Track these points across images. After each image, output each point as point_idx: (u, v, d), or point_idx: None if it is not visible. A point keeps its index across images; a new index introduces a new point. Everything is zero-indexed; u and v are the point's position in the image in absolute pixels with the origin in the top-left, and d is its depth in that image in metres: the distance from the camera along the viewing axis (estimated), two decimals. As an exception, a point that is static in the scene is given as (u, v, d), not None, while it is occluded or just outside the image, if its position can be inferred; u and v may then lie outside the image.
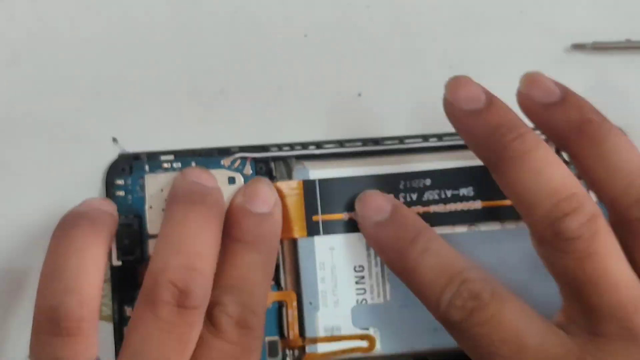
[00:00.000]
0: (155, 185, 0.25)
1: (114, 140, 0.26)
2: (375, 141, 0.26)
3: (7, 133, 0.26)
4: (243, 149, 0.26)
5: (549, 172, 0.22)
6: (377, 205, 0.24)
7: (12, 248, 0.26)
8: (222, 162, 0.26)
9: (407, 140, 0.26)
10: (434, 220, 0.25)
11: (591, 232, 0.21)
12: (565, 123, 0.23)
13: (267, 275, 0.24)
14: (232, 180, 0.25)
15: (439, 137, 0.26)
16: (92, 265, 0.21)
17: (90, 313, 0.21)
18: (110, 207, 0.24)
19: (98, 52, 0.27)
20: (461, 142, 0.26)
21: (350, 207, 0.25)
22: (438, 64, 0.27)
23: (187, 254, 0.22)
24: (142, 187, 0.25)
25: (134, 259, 0.25)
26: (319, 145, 0.26)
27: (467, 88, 0.23)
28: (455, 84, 0.23)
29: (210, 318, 0.22)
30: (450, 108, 0.23)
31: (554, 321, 0.23)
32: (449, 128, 0.26)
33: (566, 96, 0.23)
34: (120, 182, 0.25)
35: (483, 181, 0.25)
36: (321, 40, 0.27)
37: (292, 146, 0.26)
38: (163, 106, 0.27)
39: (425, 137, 0.26)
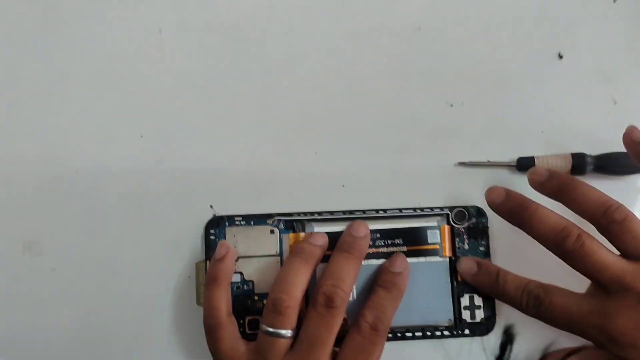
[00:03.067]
0: (230, 233, 0.46)
1: (211, 206, 0.47)
2: (350, 212, 0.47)
3: (157, 201, 0.47)
4: (279, 214, 0.47)
5: (549, 218, 0.41)
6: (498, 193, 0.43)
7: (147, 273, 0.46)
8: (267, 221, 0.46)
9: (367, 212, 0.47)
10: (381, 256, 0.45)
11: (579, 243, 0.40)
12: (553, 190, 0.42)
13: (395, 306, 0.42)
14: (272, 232, 0.46)
15: (384, 210, 0.47)
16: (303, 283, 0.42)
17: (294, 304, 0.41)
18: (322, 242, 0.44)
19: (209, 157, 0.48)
20: (397, 214, 0.47)
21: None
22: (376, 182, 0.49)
23: (335, 278, 0.41)
24: (224, 234, 0.46)
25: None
26: (319, 213, 0.47)
27: (498, 191, 0.43)
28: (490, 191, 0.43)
29: (356, 323, 0.41)
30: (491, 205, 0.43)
31: (588, 291, 0.41)
32: (395, 205, 0.47)
33: (552, 174, 0.42)
34: (212, 231, 0.46)
35: (407, 235, 0.46)
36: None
37: (305, 214, 0.46)
38: (235, 191, 0.47)
39: (376, 210, 0.47)
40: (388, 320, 0.42)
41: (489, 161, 0.48)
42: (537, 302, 0.41)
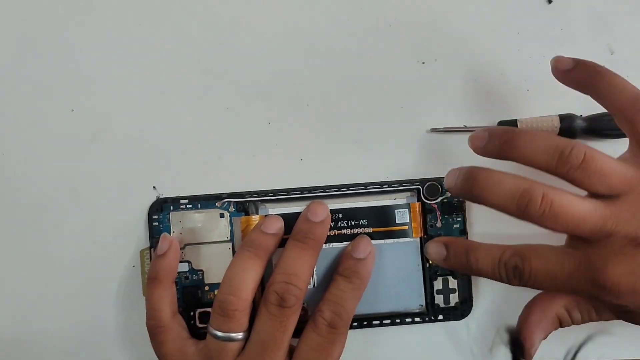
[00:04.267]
0: (175, 218, 0.42)
1: (154, 187, 0.43)
2: (309, 190, 0.42)
3: (94, 182, 0.43)
4: (229, 195, 0.42)
5: (504, 183, 0.35)
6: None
7: (88, 264, 0.42)
8: (216, 204, 0.42)
9: (328, 189, 0.42)
10: (343, 239, 0.41)
11: (547, 205, 0.34)
12: (583, 75, 0.37)
13: (357, 297, 0.38)
14: (222, 215, 0.42)
15: (347, 187, 0.42)
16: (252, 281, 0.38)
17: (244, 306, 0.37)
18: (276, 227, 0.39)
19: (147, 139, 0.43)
20: (362, 190, 0.42)
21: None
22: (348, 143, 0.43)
23: (288, 274, 0.37)
24: (168, 219, 0.42)
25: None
26: (274, 192, 0.42)
27: (452, 174, 0.37)
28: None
29: (313, 319, 0.37)
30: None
31: (568, 243, 0.37)
32: (360, 179, 0.42)
33: (577, 62, 0.37)
34: (155, 217, 0.42)
35: (373, 215, 0.41)
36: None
37: (258, 194, 0.42)
38: (180, 169, 0.43)
39: (338, 187, 0.42)
40: (348, 314, 0.38)
41: (465, 127, 0.43)
42: (516, 273, 0.36)
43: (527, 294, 0.42)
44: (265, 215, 0.41)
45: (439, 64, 0.43)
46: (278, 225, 0.40)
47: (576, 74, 0.38)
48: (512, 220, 0.40)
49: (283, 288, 0.37)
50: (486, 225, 0.43)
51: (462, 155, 0.42)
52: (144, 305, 0.41)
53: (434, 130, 0.43)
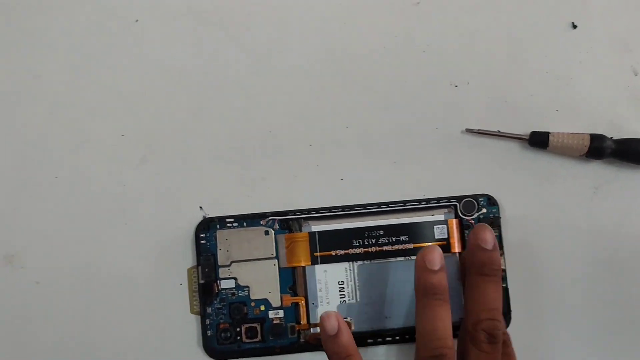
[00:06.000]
0: (222, 236, 0.43)
1: (200, 208, 0.44)
2: (350, 207, 0.44)
3: (143, 202, 0.44)
4: (273, 213, 0.43)
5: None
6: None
7: (135, 282, 0.43)
8: (261, 222, 0.43)
9: (368, 207, 0.44)
10: (385, 255, 0.42)
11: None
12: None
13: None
14: (267, 233, 0.43)
15: (387, 204, 0.44)
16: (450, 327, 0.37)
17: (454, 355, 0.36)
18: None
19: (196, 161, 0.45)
20: (401, 207, 0.44)
21: (335, 247, 0.43)
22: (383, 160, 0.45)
23: (489, 310, 0.37)
24: (215, 237, 0.43)
25: (211, 280, 0.43)
26: (317, 210, 0.43)
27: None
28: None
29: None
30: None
31: None
32: (398, 197, 0.43)
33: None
34: (203, 235, 0.43)
35: (413, 231, 0.43)
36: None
37: (301, 212, 0.43)
38: (226, 189, 0.44)
39: (379, 205, 0.44)
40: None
41: (499, 131, 0.44)
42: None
43: (562, 307, 0.43)
44: (424, 253, 0.38)
45: (470, 86, 0.45)
46: (441, 256, 0.38)
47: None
48: (548, 235, 0.42)
49: (490, 325, 0.37)
50: (522, 240, 0.44)
51: (496, 165, 0.44)
52: (190, 321, 0.42)
53: (468, 130, 0.44)
